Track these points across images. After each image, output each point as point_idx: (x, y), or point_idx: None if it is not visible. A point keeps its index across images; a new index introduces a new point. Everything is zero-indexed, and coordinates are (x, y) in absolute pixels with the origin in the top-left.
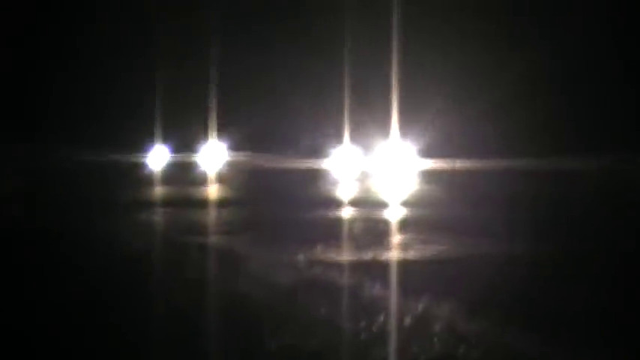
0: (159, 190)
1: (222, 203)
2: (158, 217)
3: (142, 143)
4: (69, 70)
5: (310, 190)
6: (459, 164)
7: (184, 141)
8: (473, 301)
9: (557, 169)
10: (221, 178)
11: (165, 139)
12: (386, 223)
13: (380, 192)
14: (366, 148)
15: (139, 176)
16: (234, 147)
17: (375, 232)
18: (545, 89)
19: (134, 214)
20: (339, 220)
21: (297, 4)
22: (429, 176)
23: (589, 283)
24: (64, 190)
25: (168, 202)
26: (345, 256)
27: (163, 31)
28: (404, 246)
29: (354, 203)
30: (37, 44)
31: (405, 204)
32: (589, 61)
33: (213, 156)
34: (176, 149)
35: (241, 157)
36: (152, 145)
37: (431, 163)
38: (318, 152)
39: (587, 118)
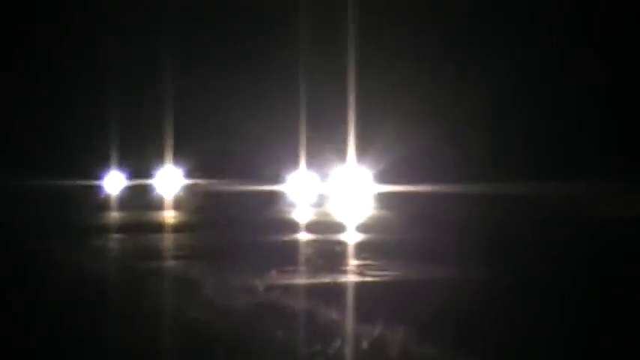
0: (114, 215)
1: (177, 228)
2: (112, 241)
3: (97, 169)
4: (24, 95)
5: (266, 215)
6: (415, 189)
7: (140, 166)
8: (424, 323)
9: (515, 193)
10: (177, 203)
11: (121, 165)
12: (342, 247)
13: (336, 216)
14: (323, 173)
15: (94, 201)
16: (191, 172)
17: (330, 256)
18: (504, 113)
19: (88, 238)
20: (295, 244)
21: (253, 30)
22: (385, 201)
23: (534, 307)
24: (19, 214)
25: (122, 227)
26: (301, 279)
27: (118, 57)
28: (359, 270)
29: (309, 227)
30: None
31: (360, 228)
32: (547, 83)
33: (169, 181)
34: (132, 175)
35: (197, 182)
36: (108, 171)
37: (387, 188)
38: (274, 177)
39: (546, 142)
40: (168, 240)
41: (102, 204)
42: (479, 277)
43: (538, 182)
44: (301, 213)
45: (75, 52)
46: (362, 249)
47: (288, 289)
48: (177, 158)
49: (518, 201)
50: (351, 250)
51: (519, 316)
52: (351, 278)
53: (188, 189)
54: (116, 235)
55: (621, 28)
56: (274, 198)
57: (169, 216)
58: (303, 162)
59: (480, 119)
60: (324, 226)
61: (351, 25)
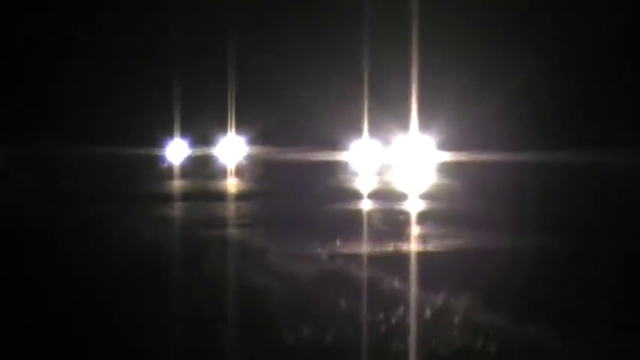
0: (177, 183)
1: (242, 196)
2: (177, 210)
3: (161, 138)
4: (89, 66)
5: (329, 183)
6: (476, 157)
7: (203, 135)
8: (487, 292)
9: (570, 162)
10: (240, 172)
11: (184, 134)
12: (405, 215)
13: (399, 185)
14: (385, 141)
15: (158, 170)
16: (254, 141)
17: (394, 224)
18: (558, 84)
19: (154, 207)
20: (358, 213)
21: (313, 1)
22: (446, 169)
23: (590, 278)
24: (88, 184)
25: (186, 195)
26: (364, 248)
27: (180, 28)
28: (422, 239)
29: (372, 196)
30: (57, 43)
31: (423, 197)
32: (596, 55)
33: (232, 150)
34: (195, 143)
35: (260, 151)
36: (171, 140)
37: (449, 156)
38: (337, 146)
39: (598, 112)
40: (232, 209)
41: (166, 172)
42: (537, 246)
43: (594, 151)
44: (364, 181)
45: (138, 21)
46: (424, 218)
47: (351, 257)
48: (240, 126)
49: (577, 170)
50: (413, 218)
51: (574, 286)
52: (413, 247)
53: (251, 157)
54: (181, 204)
55: None
56: (337, 166)
57: (233, 185)
58: (366, 130)
59: (538, 89)
60: (387, 195)
61: None
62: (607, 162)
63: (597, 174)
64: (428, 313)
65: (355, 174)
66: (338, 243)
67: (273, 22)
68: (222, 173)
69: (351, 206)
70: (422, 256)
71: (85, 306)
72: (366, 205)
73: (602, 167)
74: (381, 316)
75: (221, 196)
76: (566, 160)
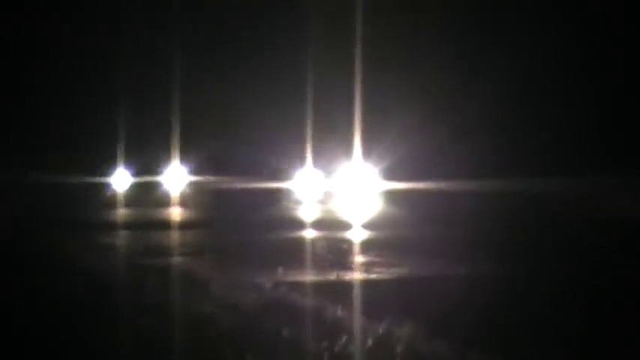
0: (120, 212)
1: (184, 225)
2: (119, 238)
3: (104, 167)
4: (32, 94)
5: (272, 212)
6: (420, 186)
7: (147, 164)
8: (429, 320)
9: (520, 190)
10: (183, 200)
11: (128, 163)
12: (348, 244)
13: (342, 213)
14: (329, 170)
15: (101, 198)
16: (197, 170)
17: (337, 253)
18: (508, 112)
19: (95, 235)
20: (301, 242)
21: (259, 28)
22: (390, 198)
23: (539, 302)
24: (27, 211)
25: (129, 224)
26: (307, 277)
27: (125, 57)
28: (365, 267)
29: (316, 224)
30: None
31: (366, 225)
32: (553, 81)
33: (176, 179)
34: (139, 172)
35: (204, 180)
36: (115, 169)
37: (393, 185)
38: (280, 175)
39: (551, 139)
40: (174, 237)
41: (109, 201)
42: (479, 274)
43: (546, 179)
44: (308, 210)
45: (82, 51)
46: (367, 246)
47: (294, 286)
48: (184, 156)
49: (526, 198)
50: (356, 247)
51: (520, 312)
52: (356, 275)
53: (194, 186)
54: (123, 232)
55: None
56: (280, 195)
57: (176, 213)
58: (309, 159)
59: (486, 116)
60: (331, 223)
61: (358, 22)
62: (558, 190)
63: (548, 202)
64: (370, 341)
65: (299, 202)
66: (281, 271)
67: (217, 51)
68: (165, 202)
69: (294, 235)
70: (364, 284)
71: (20, 336)
72: (309, 234)
73: (552, 195)
74: (324, 344)
75: (164, 224)
76: (514, 188)
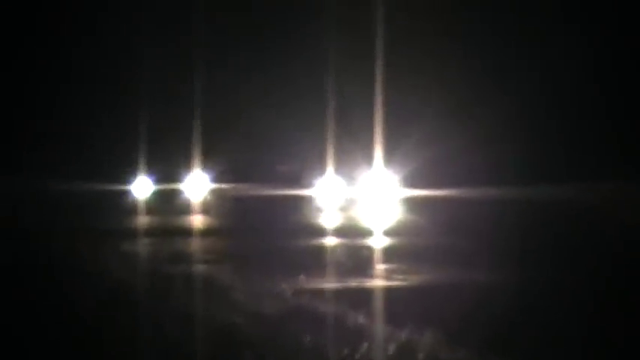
0: (143, 220)
1: (206, 232)
2: (142, 246)
3: (126, 174)
4: (54, 103)
5: (294, 219)
6: (441, 193)
7: (168, 172)
8: (450, 327)
9: (540, 198)
10: (205, 208)
11: (150, 171)
12: (369, 251)
13: (363, 220)
14: (350, 177)
15: (122, 206)
16: (218, 178)
17: (358, 260)
18: (530, 119)
19: (118, 243)
20: (323, 249)
21: (280, 33)
22: (412, 205)
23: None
24: (50, 220)
25: (150, 231)
26: (328, 284)
27: (147, 64)
28: (385, 275)
29: (337, 232)
30: (23, 79)
31: (387, 233)
32: (576, 89)
33: (197, 186)
34: (160, 180)
35: (225, 187)
36: (136, 176)
37: (413, 192)
38: (301, 182)
39: (572, 147)
40: (197, 245)
41: (131, 209)
42: (500, 282)
43: (568, 185)
44: (329, 217)
45: (104, 59)
46: (388, 254)
47: (315, 293)
48: (205, 163)
49: (546, 205)
50: (377, 254)
51: (540, 320)
52: (377, 282)
53: (216, 194)
54: (145, 240)
55: None
56: (302, 202)
57: (198, 221)
58: (330, 166)
59: (508, 124)
60: (351, 231)
61: (380, 29)
62: (578, 198)
63: (567, 209)
64: (391, 347)
65: (320, 210)
66: (303, 278)
67: (238, 59)
68: (187, 209)
69: (315, 242)
70: (385, 291)
71: (51, 343)
72: (330, 241)
73: (572, 203)
74: (346, 350)
75: (186, 232)
76: (535, 195)
